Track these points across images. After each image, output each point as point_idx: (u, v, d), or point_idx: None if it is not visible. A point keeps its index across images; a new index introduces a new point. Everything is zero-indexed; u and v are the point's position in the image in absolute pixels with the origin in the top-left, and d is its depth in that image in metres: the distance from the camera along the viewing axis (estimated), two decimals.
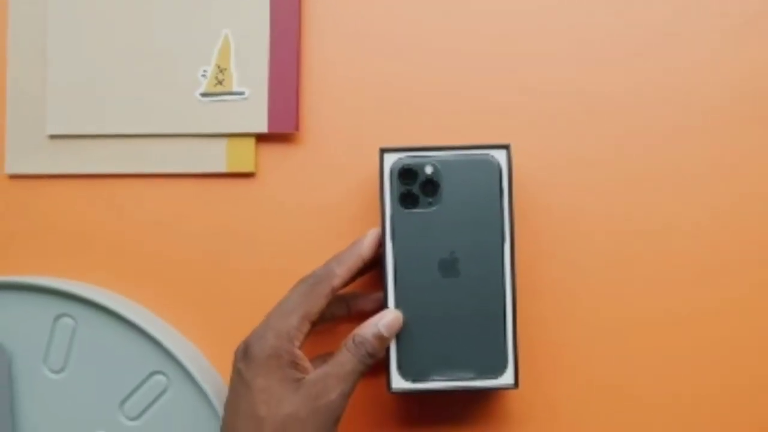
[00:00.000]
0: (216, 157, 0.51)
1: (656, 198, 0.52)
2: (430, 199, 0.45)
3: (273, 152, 0.52)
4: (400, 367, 0.45)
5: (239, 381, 0.43)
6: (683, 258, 0.51)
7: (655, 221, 0.52)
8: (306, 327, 0.43)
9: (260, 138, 0.51)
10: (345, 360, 0.43)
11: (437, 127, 0.52)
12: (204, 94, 0.50)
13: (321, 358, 0.47)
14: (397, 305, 0.45)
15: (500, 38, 0.52)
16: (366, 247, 0.45)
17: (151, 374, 0.48)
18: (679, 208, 0.52)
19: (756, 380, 0.51)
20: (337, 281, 0.44)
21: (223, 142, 0.51)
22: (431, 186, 0.45)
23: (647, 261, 0.51)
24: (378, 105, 0.52)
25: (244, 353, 0.43)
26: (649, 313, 0.51)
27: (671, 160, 0.52)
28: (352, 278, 0.45)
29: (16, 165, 0.51)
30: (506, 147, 0.46)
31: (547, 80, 0.52)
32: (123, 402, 0.48)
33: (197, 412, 0.48)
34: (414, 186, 0.45)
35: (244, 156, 0.51)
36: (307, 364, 0.43)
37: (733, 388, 0.51)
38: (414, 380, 0.45)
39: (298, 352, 0.43)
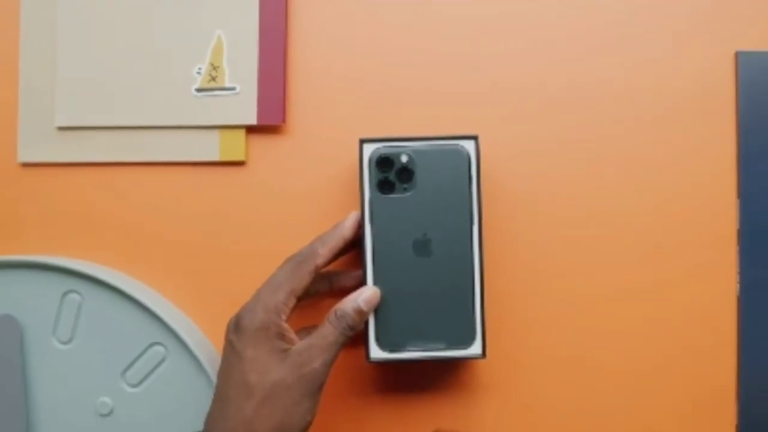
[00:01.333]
0: (210, 147, 0.51)
1: (610, 184, 0.53)
2: (405, 185, 0.46)
3: (262, 142, 0.52)
4: (377, 339, 0.46)
5: (231, 351, 0.44)
6: (634, 238, 0.53)
7: (609, 206, 0.53)
8: (292, 302, 0.44)
9: (250, 129, 0.52)
10: (327, 332, 0.44)
11: (412, 120, 0.52)
12: (199, 90, 0.51)
13: (306, 330, 0.48)
14: (375, 282, 0.46)
15: (469, 39, 0.53)
16: (347, 228, 0.46)
17: (151, 345, 0.49)
18: (630, 194, 0.53)
19: (696, 346, 0.52)
20: (320, 260, 0.45)
21: (216, 133, 0.51)
22: (406, 173, 0.46)
23: (602, 242, 0.52)
24: (358, 99, 0.53)
25: (236, 326, 0.44)
26: (603, 289, 0.52)
27: (624, 150, 0.53)
28: (334, 257, 0.46)
29: (28, 154, 0.52)
30: (474, 138, 0.47)
31: (512, 78, 0.53)
32: (125, 370, 0.49)
33: (192, 379, 0.49)
34: (390, 173, 0.46)
35: (236, 146, 0.51)
36: (293, 335, 0.44)
37: (677, 354, 0.52)
38: (390, 351, 0.46)
39: (285, 325, 0.44)
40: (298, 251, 0.46)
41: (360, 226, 0.46)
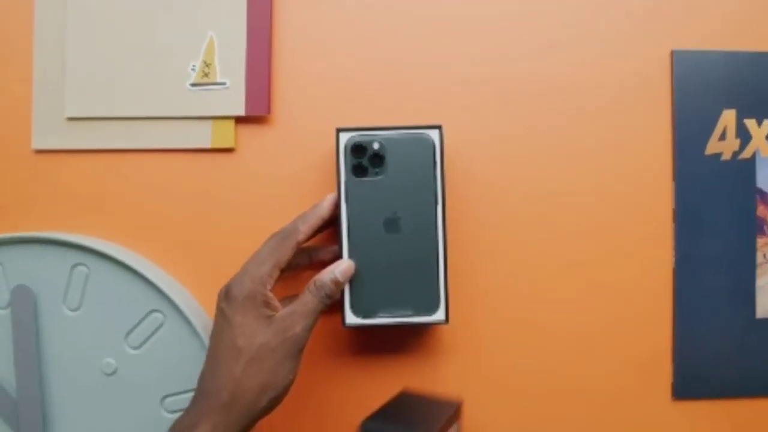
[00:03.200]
0: (203, 136, 0.53)
1: (560, 169, 0.55)
2: (377, 170, 0.47)
3: (250, 131, 0.54)
4: (352, 306, 0.48)
5: (222, 317, 0.45)
6: (581, 217, 0.54)
7: (559, 188, 0.54)
8: (276, 273, 0.45)
9: (239, 120, 0.53)
10: (308, 300, 0.45)
11: (384, 111, 0.54)
12: (193, 84, 0.52)
13: (288, 299, 0.49)
14: (350, 256, 0.47)
15: (436, 39, 0.54)
16: (325, 209, 0.47)
17: (150, 312, 0.51)
18: (578, 177, 0.55)
19: (636, 312, 0.54)
20: (301, 236, 0.46)
21: (208, 123, 0.53)
22: (378, 159, 0.47)
23: (552, 220, 0.54)
24: (336, 92, 0.54)
25: (226, 295, 0.45)
26: (553, 261, 0.54)
27: (572, 138, 0.55)
28: (314, 234, 0.48)
29: (40, 142, 0.53)
30: (438, 127, 0.48)
31: (473, 74, 0.54)
32: (127, 334, 0.51)
33: (187, 342, 0.50)
34: (364, 159, 0.47)
35: (226, 134, 0.53)
36: (277, 303, 0.45)
37: (619, 319, 0.54)
38: (364, 317, 0.48)
39: (270, 294, 0.45)
40: (282, 228, 0.47)
41: (336, 207, 0.47)
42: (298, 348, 0.45)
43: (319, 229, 0.48)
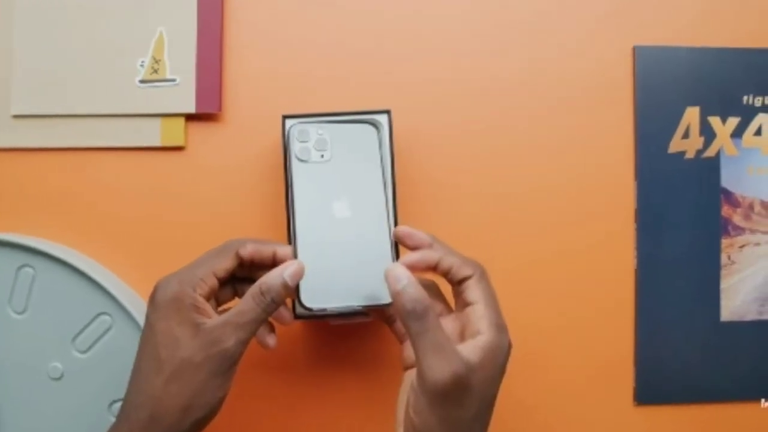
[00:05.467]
0: (152, 134, 0.53)
1: (521, 166, 0.54)
2: (323, 154, 0.46)
3: (200, 129, 0.53)
4: (303, 296, 0.44)
5: (146, 323, 0.41)
6: (541, 215, 0.54)
7: (519, 185, 0.54)
8: (211, 280, 0.42)
9: (189, 117, 0.53)
10: (247, 309, 0.41)
11: (336, 108, 0.51)
12: (142, 81, 0.52)
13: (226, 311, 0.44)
14: (301, 245, 0.44)
15: (391, 35, 0.54)
16: (279, 251, 0.44)
17: (98, 315, 0.50)
18: (539, 175, 0.54)
19: (598, 312, 0.54)
20: (244, 250, 0.43)
21: (158, 121, 0.52)
22: (323, 143, 0.47)
23: (511, 219, 0.54)
24: (288, 89, 0.54)
25: (151, 297, 0.41)
26: (512, 261, 0.54)
27: (533, 135, 0.54)
28: (258, 262, 0.44)
29: None
30: (387, 112, 0.49)
31: (429, 70, 0.54)
32: (74, 338, 0.50)
33: (135, 346, 0.45)
34: (309, 143, 0.46)
35: (176, 132, 0.53)
36: (209, 309, 0.41)
37: (581, 320, 0.54)
38: (315, 306, 0.44)
39: (200, 299, 0.41)
40: (228, 240, 0.45)
41: (285, 202, 0.47)
42: (227, 365, 0.40)
43: (263, 264, 0.44)
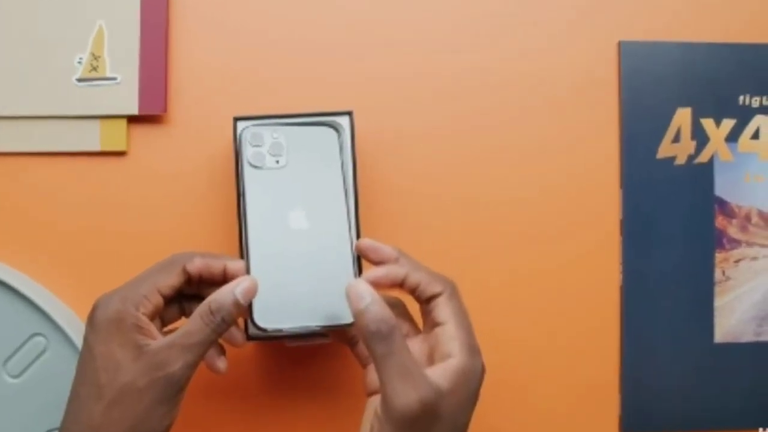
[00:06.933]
0: (90, 137, 0.52)
1: (497, 171, 0.54)
2: (278, 159, 0.46)
3: (143, 132, 0.52)
4: (256, 316, 0.43)
5: (84, 345, 0.40)
6: (519, 227, 0.54)
7: (495, 192, 0.53)
8: (155, 297, 0.41)
9: (131, 119, 0.52)
10: (195, 329, 0.40)
11: (291, 109, 0.50)
12: (80, 80, 0.51)
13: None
14: (254, 260, 0.43)
15: (351, 28, 0.53)
16: (231, 266, 0.43)
17: (32, 336, 0.49)
18: (516, 181, 0.54)
19: (581, 332, 0.53)
20: (191, 266, 0.42)
21: (97, 123, 0.52)
22: (278, 147, 0.46)
23: (486, 230, 0.53)
24: (239, 89, 0.53)
25: (89, 317, 0.41)
26: (488, 277, 0.53)
27: (511, 138, 0.54)
28: (207, 277, 0.43)
29: None
30: (349, 113, 0.48)
31: (395, 67, 0.54)
32: (6, 361, 0.49)
33: (73, 370, 0.45)
34: (263, 148, 0.46)
35: (116, 136, 0.52)
36: (152, 329, 0.40)
37: (565, 343, 0.53)
38: (269, 327, 0.43)
39: (144, 318, 0.40)
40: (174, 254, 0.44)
41: (237, 213, 0.45)
42: (174, 390, 0.39)
43: (213, 280, 0.43)
